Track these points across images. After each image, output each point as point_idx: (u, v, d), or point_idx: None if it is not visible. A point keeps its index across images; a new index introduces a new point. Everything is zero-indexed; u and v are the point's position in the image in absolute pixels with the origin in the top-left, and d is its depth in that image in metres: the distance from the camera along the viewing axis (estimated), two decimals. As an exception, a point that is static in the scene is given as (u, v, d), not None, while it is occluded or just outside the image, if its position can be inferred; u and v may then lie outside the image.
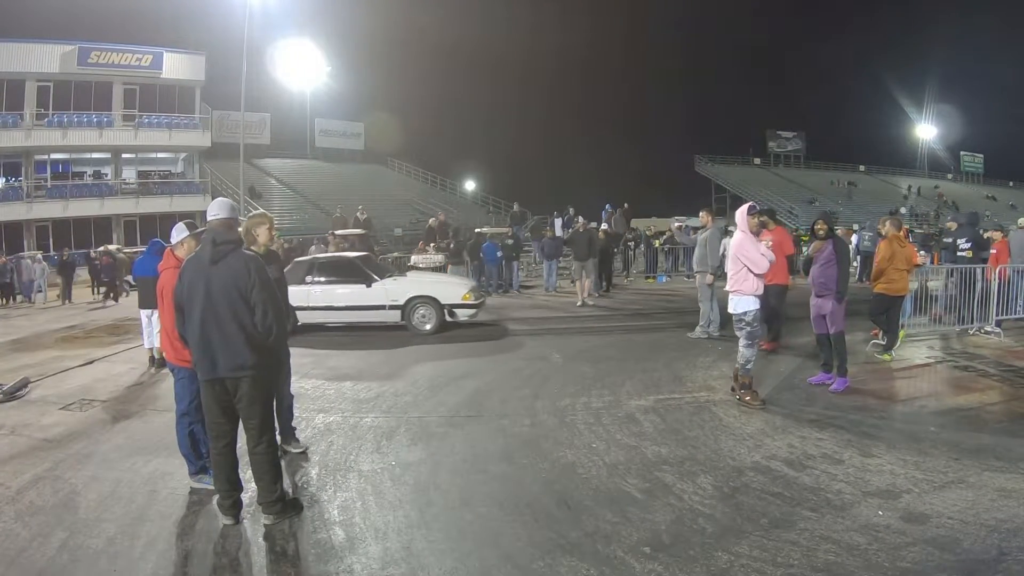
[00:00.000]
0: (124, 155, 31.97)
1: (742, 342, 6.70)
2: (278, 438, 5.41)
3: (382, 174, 44.52)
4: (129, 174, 32.12)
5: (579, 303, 14.35)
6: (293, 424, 5.75)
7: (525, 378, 8.04)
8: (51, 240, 28.85)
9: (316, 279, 11.61)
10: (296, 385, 7.25)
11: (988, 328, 10.31)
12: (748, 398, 6.68)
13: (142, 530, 4.29)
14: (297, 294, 10.93)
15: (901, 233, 9.00)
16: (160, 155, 33.55)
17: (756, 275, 6.52)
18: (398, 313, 11.37)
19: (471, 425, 6.27)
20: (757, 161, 55.60)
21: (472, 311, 11.53)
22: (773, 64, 61.80)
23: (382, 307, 11.37)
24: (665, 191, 50.71)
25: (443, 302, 11.37)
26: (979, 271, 10.55)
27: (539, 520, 4.27)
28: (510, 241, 17.56)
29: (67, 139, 29.91)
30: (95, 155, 31.69)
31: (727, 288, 6.80)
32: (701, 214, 11.30)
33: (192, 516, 4.51)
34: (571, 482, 4.88)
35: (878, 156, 59.25)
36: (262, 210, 5.82)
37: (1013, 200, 56.05)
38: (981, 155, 63.58)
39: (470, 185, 46.26)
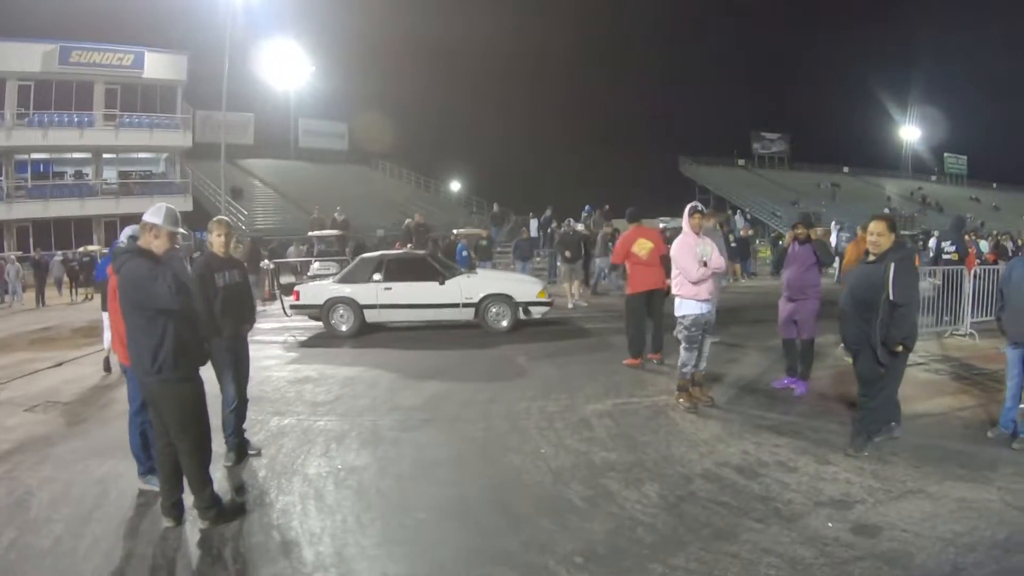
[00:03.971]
0: (105, 155, 31.81)
1: (681, 345, 6.68)
2: (230, 443, 5.56)
3: (366, 175, 44.38)
4: (110, 174, 31.91)
5: (570, 305, 14.27)
6: (245, 426, 5.75)
7: (486, 381, 8.08)
8: (31, 241, 28.69)
9: (386, 277, 11.52)
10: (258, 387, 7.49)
11: (962, 330, 10.32)
12: (682, 399, 6.69)
13: (88, 530, 4.35)
14: (366, 292, 11.29)
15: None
16: (141, 155, 33.34)
17: (692, 282, 6.49)
18: (472, 311, 11.35)
19: (424, 429, 6.29)
20: (741, 162, 55.90)
21: (545, 308, 11.53)
22: (758, 65, 61.92)
23: (456, 305, 11.35)
24: (649, 192, 50.66)
25: (518, 300, 11.36)
26: (962, 273, 10.49)
27: (477, 528, 4.28)
28: (484, 242, 17.59)
29: (48, 139, 29.75)
30: (76, 155, 31.49)
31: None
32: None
33: (138, 517, 4.54)
34: (515, 489, 4.87)
35: (862, 158, 59.64)
36: (220, 216, 5.81)
37: (997, 202, 56.60)
38: (965, 156, 64.18)
39: (455, 186, 46.27)
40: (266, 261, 19.06)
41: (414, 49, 48.32)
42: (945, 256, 11.20)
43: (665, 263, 8.08)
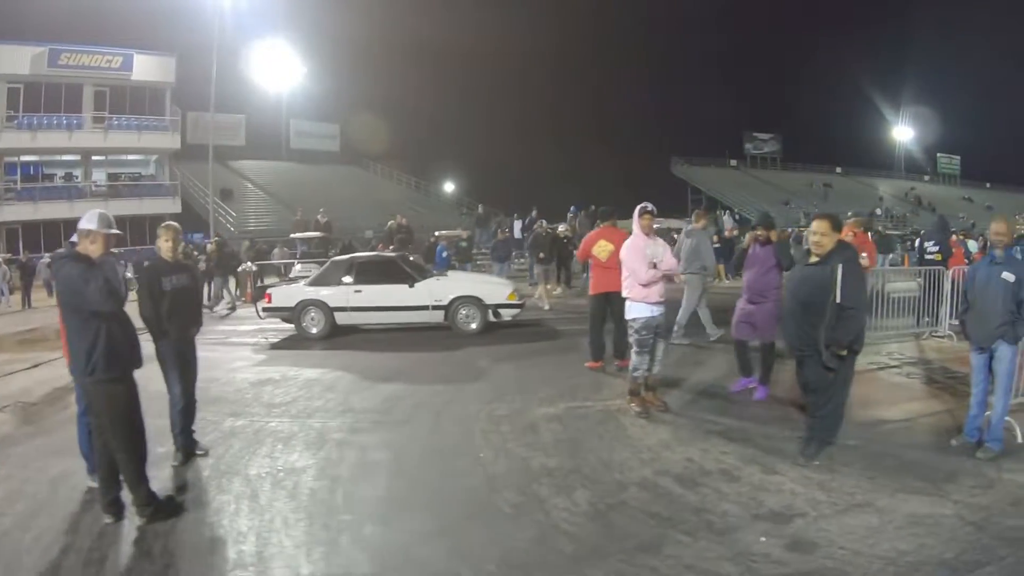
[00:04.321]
0: (94, 157, 31.89)
1: (632, 349, 6.63)
2: (178, 442, 5.68)
3: (357, 176, 44.57)
4: (100, 176, 32.00)
5: (545, 307, 14.22)
6: (196, 427, 5.87)
7: (445, 383, 8.15)
8: (20, 243, 28.77)
9: (357, 280, 11.57)
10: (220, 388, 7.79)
11: (940, 332, 10.21)
12: (634, 404, 6.61)
13: (35, 524, 4.52)
14: (336, 295, 11.36)
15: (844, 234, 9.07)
16: (131, 157, 33.41)
17: (641, 284, 6.38)
18: (442, 313, 11.38)
19: (371, 432, 6.38)
20: (733, 163, 56.11)
21: (516, 311, 11.57)
22: (751, 66, 61.95)
23: (425, 307, 11.38)
24: (641, 193, 50.66)
25: (488, 302, 11.40)
26: (942, 274, 10.32)
27: (400, 532, 4.34)
28: (464, 244, 17.68)
29: (36, 141, 29.84)
30: (66, 157, 31.55)
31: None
32: (695, 215, 11.12)
33: (82, 513, 4.69)
34: (447, 494, 4.90)
35: (855, 158, 59.76)
36: (167, 222, 5.95)
37: (990, 202, 56.71)
38: (958, 157, 64.45)
39: (448, 187, 46.42)
40: (248, 263, 19.16)
41: (406, 50, 48.46)
42: (928, 256, 11.10)
43: None
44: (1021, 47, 52.43)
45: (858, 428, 5.94)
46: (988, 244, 21.45)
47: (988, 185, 61.84)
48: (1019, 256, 10.16)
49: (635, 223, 6.64)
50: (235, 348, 11.37)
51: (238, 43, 36.59)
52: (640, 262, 6.37)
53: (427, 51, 50.24)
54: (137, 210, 30.31)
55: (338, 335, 11.46)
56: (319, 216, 22.48)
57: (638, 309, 6.46)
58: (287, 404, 7.43)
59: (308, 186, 38.82)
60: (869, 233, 12.24)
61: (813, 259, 5.23)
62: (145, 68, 32.02)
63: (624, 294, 6.62)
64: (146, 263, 6.26)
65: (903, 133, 61.72)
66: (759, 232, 7.24)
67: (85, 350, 4.31)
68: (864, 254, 9.69)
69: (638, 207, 6.65)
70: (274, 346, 11.28)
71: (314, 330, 11.48)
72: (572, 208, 23.58)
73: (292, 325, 11.75)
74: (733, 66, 62.09)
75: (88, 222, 4.46)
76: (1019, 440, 5.62)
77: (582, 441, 5.90)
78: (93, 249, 4.43)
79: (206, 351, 10.84)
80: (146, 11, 30.30)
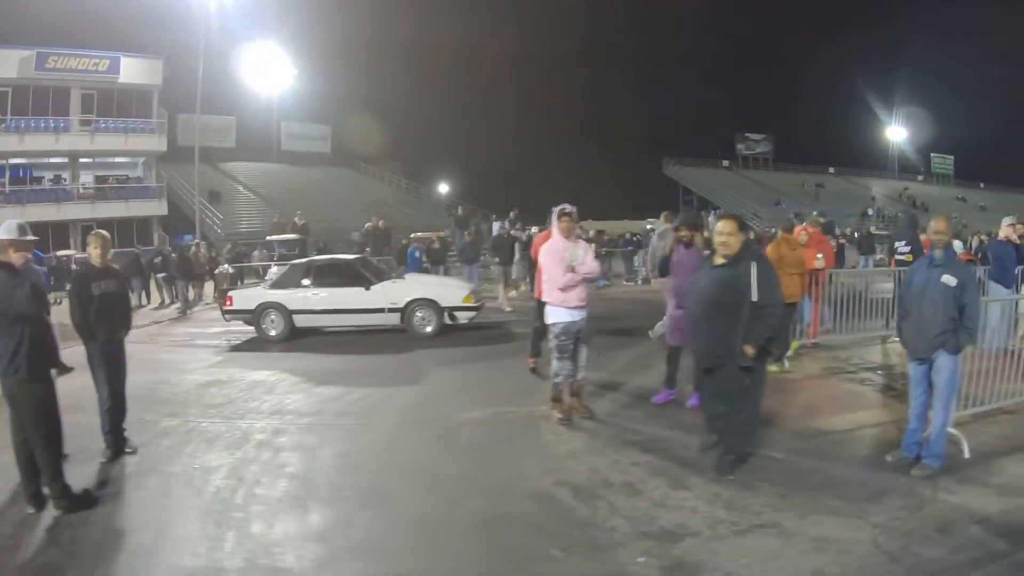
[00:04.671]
0: (82, 160, 32.13)
1: (552, 355, 6.48)
2: (107, 440, 5.91)
3: (348, 177, 44.63)
4: (88, 179, 32.24)
5: (508, 309, 14.37)
6: (125, 426, 6.07)
7: (385, 386, 8.31)
8: (9, 245, 28.90)
9: (315, 283, 11.75)
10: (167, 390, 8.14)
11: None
12: (556, 411, 6.49)
13: None
14: (295, 297, 11.55)
15: (797, 234, 8.93)
16: (118, 159, 33.61)
17: (559, 288, 6.26)
18: (398, 316, 11.51)
19: (294, 434, 6.53)
20: (726, 163, 56.12)
21: (472, 313, 11.67)
22: (744, 66, 62.06)
23: (381, 310, 11.51)
24: (633, 194, 50.91)
25: (443, 304, 11.51)
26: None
27: (282, 533, 4.46)
28: (436, 245, 17.82)
29: (24, 144, 30.02)
30: (54, 160, 31.80)
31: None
32: (663, 215, 10.34)
33: (11, 504, 4.95)
34: (336, 500, 4.96)
35: (849, 158, 59.66)
36: (96, 231, 6.16)
37: (984, 201, 56.70)
38: (951, 157, 64.21)
39: (441, 188, 46.49)
40: (225, 265, 19.38)
41: (397, 51, 48.69)
42: (899, 257, 10.67)
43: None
44: (1016, 46, 52.23)
45: (792, 439, 5.78)
46: (967, 244, 21.33)
47: (982, 185, 61.70)
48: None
49: (554, 226, 6.52)
50: (196, 350, 11.60)
51: (229, 45, 36.87)
52: (557, 266, 6.25)
53: (419, 52, 50.44)
54: (124, 212, 30.56)
55: (298, 337, 11.66)
56: (296, 218, 22.66)
57: (557, 314, 6.35)
58: (224, 405, 7.63)
59: (298, 188, 39.00)
60: (839, 236, 12.22)
61: (719, 260, 5.02)
62: (132, 71, 32.20)
63: (543, 298, 6.60)
64: (75, 269, 6.52)
65: (896, 133, 61.53)
66: (683, 234, 6.89)
67: (10, 351, 4.55)
68: (820, 255, 9.59)
69: (556, 209, 6.51)
70: (234, 348, 11.48)
71: (273, 332, 11.66)
72: (553, 209, 23.66)
73: (253, 327, 11.93)
74: (726, 66, 62.30)
75: (7, 232, 4.71)
76: (966, 455, 5.30)
77: (495, 448, 5.94)
78: (16, 257, 4.70)
79: (168, 353, 11.36)
80: (134, 14, 30.46)
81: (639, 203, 43.69)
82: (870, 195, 55.09)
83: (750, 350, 4.84)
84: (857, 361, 8.86)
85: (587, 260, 6.42)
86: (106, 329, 5.83)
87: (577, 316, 6.36)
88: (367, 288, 11.46)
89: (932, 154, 63.35)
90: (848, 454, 5.53)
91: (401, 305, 11.46)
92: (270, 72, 41.87)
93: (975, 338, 5.11)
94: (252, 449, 6.10)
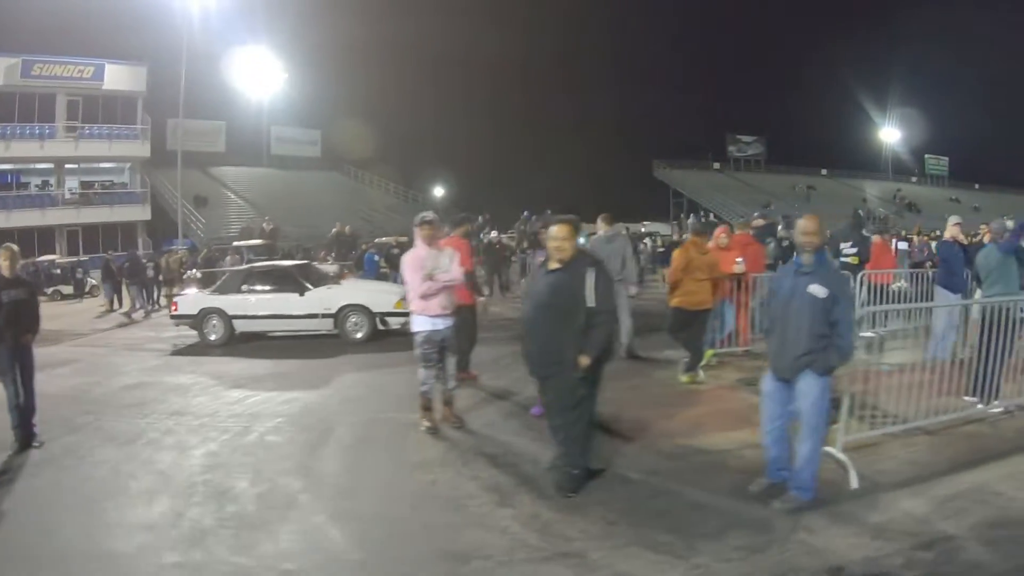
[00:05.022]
0: (68, 166, 32.70)
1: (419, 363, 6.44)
2: (15, 434, 6.39)
3: (337, 181, 45.26)
4: (74, 184, 32.80)
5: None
6: (35, 421, 6.54)
7: (289, 390, 8.55)
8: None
9: (252, 288, 12.09)
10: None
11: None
12: (424, 420, 6.49)
13: None
14: (234, 303, 11.88)
15: (714, 237, 8.73)
16: (105, 165, 34.16)
17: (419, 296, 6.26)
18: (331, 321, 11.71)
19: (181, 434, 6.83)
20: (716, 165, 56.26)
21: (404, 319, 11.20)
22: (735, 67, 62.00)
23: (315, 315, 11.73)
24: (623, 196, 50.87)
25: (375, 310, 11.69)
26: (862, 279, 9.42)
27: (123, 525, 4.78)
28: (396, 250, 17.98)
29: (10, 151, 30.65)
30: (39, 165, 32.35)
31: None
32: (601, 218, 9.65)
33: None
34: (187, 497, 5.19)
35: (842, 160, 59.54)
36: (6, 244, 6.69)
37: (978, 202, 56.56)
38: (946, 158, 64.15)
39: (428, 192, 46.86)
40: (193, 270, 19.79)
41: (387, 56, 48.99)
42: (843, 259, 9.73)
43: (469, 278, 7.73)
44: (1011, 46, 52.17)
45: (659, 458, 5.54)
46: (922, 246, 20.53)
47: (977, 186, 61.61)
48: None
49: (416, 235, 6.53)
50: (139, 354, 11.96)
51: (219, 50, 37.46)
52: (415, 274, 6.24)
53: (408, 56, 50.84)
54: (108, 217, 31.11)
55: (239, 342, 11.98)
56: (264, 224, 23.07)
57: (418, 322, 6.35)
58: (136, 406, 7.99)
59: (288, 192, 39.56)
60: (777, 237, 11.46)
61: (553, 265, 4.85)
62: (116, 77, 32.80)
63: (408, 307, 6.67)
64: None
65: (890, 134, 61.52)
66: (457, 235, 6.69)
67: None
68: (740, 259, 8.93)
69: (418, 216, 6.57)
70: (176, 352, 11.81)
71: (213, 336, 12.00)
72: (525, 212, 23.98)
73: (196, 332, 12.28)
74: (717, 68, 62.19)
75: None
76: (852, 486, 4.80)
77: (353, 455, 6.05)
78: None
79: (115, 356, 11.83)
80: (119, 21, 30.99)
81: (629, 205, 43.79)
82: (861, 197, 55.10)
83: (585, 360, 4.64)
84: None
85: (452, 268, 6.41)
86: (13, 334, 6.37)
87: (440, 324, 6.35)
88: (301, 294, 11.75)
89: (926, 155, 63.29)
90: (714, 479, 5.05)
91: (334, 311, 11.68)
92: (260, 77, 42.38)
93: (848, 357, 4.51)
94: (140, 447, 6.46)
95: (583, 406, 4.83)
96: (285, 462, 5.96)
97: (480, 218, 22.94)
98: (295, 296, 11.78)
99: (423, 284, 6.22)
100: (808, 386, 4.41)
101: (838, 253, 9.88)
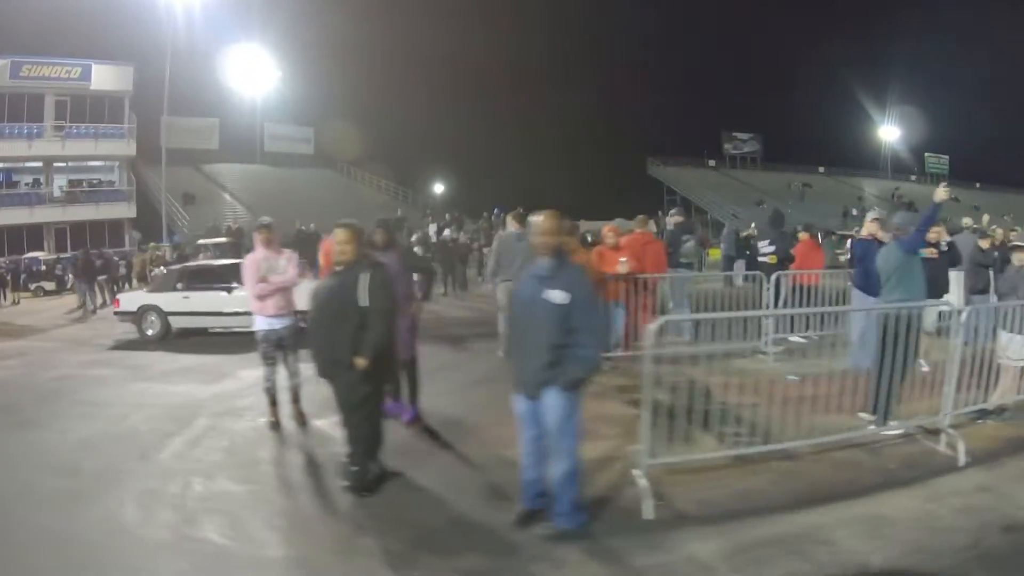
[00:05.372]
0: (56, 164, 33.35)
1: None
2: None
3: (330, 178, 45.63)
4: (63, 182, 33.46)
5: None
6: None
7: (189, 383, 8.97)
8: (-13, 248, 30.32)
9: (186, 286, 12.45)
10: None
11: (764, 349, 8.73)
12: (270, 415, 6.78)
13: None
14: (170, 300, 12.32)
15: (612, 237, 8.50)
16: (94, 163, 34.80)
17: (255, 297, 6.54)
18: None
19: (45, 422, 7.30)
20: (712, 163, 56.15)
21: None
22: (732, 65, 61.67)
23: (240, 313, 11.66)
24: (618, 193, 50.86)
25: (298, 309, 11.86)
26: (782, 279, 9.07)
27: None
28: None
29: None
30: (29, 164, 33.02)
31: None
32: (509, 216, 9.58)
33: None
34: None
35: (840, 158, 59.10)
36: None
37: (978, 202, 56.09)
38: (946, 156, 63.51)
39: (417, 189, 47.16)
40: (161, 268, 20.22)
41: (380, 52, 49.31)
42: (761, 258, 9.73)
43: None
44: (1012, 44, 51.72)
45: (462, 466, 5.50)
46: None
47: (978, 185, 61.04)
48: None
49: (255, 239, 6.81)
50: (83, 348, 12.43)
51: (212, 47, 38.09)
52: (251, 275, 6.53)
53: (401, 53, 51.05)
54: (94, 215, 31.71)
55: (179, 338, 12.39)
56: (230, 223, 23.47)
57: (257, 322, 6.68)
58: (53, 394, 8.56)
59: (280, 189, 39.91)
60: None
61: (339, 267, 5.01)
62: (103, 78, 33.44)
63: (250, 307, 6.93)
64: None
65: (889, 132, 61.13)
66: (377, 237, 6.53)
67: None
68: (623, 259, 8.50)
69: (258, 222, 6.86)
70: (115, 347, 12.21)
71: (150, 332, 12.42)
72: (496, 210, 24.22)
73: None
74: (713, 64, 61.87)
75: None
76: (646, 517, 4.45)
77: (186, 447, 6.34)
78: None
79: (62, 352, 12.46)
80: (108, 21, 31.48)
81: (624, 203, 43.78)
82: (856, 195, 54.91)
83: (360, 361, 4.77)
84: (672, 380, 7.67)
85: (288, 270, 6.68)
86: None
87: (276, 324, 6.62)
88: (229, 292, 12.08)
89: (926, 154, 62.84)
90: (498, 494, 4.85)
91: None
92: (254, 74, 42.91)
93: (593, 368, 4.24)
94: (30, 429, 7.03)
95: (368, 406, 4.95)
96: (135, 448, 6.33)
97: (447, 216, 23.22)
98: (224, 294, 12.12)
99: (257, 285, 6.51)
100: (553, 403, 4.05)
101: (757, 251, 10.11)
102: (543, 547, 4.12)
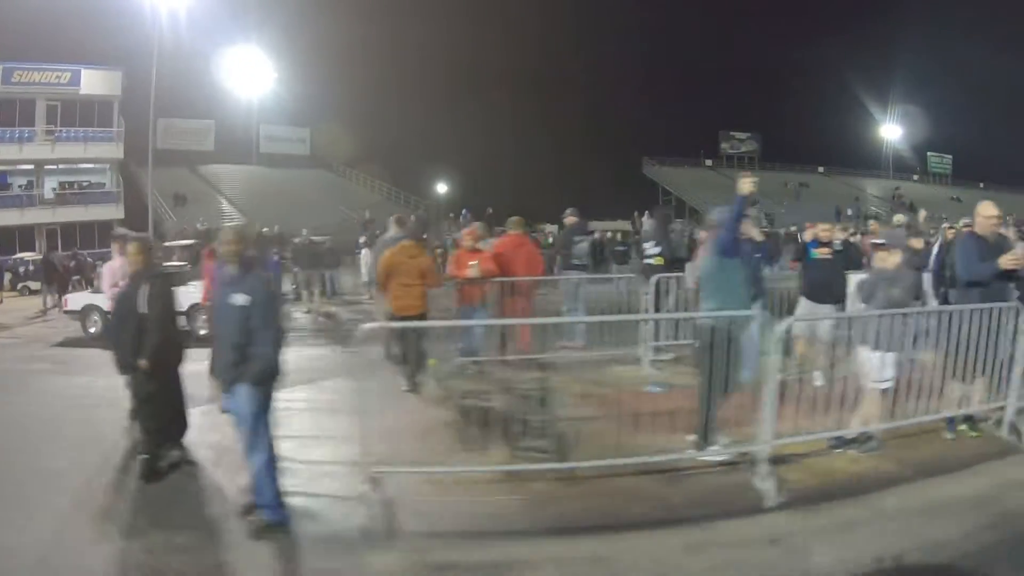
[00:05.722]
0: (48, 167, 34.08)
1: None
2: None
3: (325, 179, 46.13)
4: (54, 184, 34.18)
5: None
6: None
7: (84, 375, 9.32)
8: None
9: None
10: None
11: (652, 357, 8.36)
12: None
13: None
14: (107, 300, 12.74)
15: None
16: (85, 166, 35.50)
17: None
18: (183, 319, 12.01)
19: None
20: (709, 163, 56.12)
21: None
22: (731, 63, 60.87)
23: None
24: (615, 193, 50.70)
25: None
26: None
27: None
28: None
29: (-8, 154, 32.20)
30: (22, 167, 33.79)
31: None
32: (392, 219, 9.56)
33: None
34: None
35: (841, 157, 58.59)
36: None
37: (979, 202, 55.33)
38: (950, 156, 62.66)
39: (413, 190, 47.41)
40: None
41: (376, 53, 49.40)
42: (647, 261, 9.22)
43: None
44: (1018, 41, 51.01)
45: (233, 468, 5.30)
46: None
47: (982, 185, 60.37)
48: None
49: (112, 248, 7.46)
50: (32, 344, 12.98)
51: (208, 50, 38.72)
52: (107, 282, 7.16)
53: (398, 54, 51.31)
54: (83, 216, 32.38)
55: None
56: (198, 224, 23.92)
57: None
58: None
59: (274, 190, 40.38)
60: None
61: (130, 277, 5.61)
62: (92, 82, 34.12)
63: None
64: None
65: (891, 131, 60.51)
66: (213, 246, 6.77)
67: None
68: (474, 262, 8.13)
69: (115, 232, 7.52)
70: (60, 343, 12.68)
71: (92, 330, 12.82)
72: (464, 211, 24.43)
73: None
74: (712, 63, 61.31)
75: None
76: (358, 523, 4.58)
77: (32, 440, 6.66)
78: None
79: (12, 348, 12.62)
80: (99, 26, 32.05)
81: (619, 203, 43.69)
82: (853, 195, 54.58)
83: (142, 363, 5.26)
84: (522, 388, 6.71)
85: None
86: None
87: None
88: None
89: (928, 153, 62.15)
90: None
91: (184, 308, 12.34)
92: (250, 75, 43.45)
93: (270, 367, 4.44)
94: None
95: (154, 402, 5.40)
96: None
97: (412, 216, 23.26)
98: None
99: (112, 290, 6.99)
100: (243, 397, 4.36)
101: (642, 254, 9.68)
102: (249, 536, 4.41)
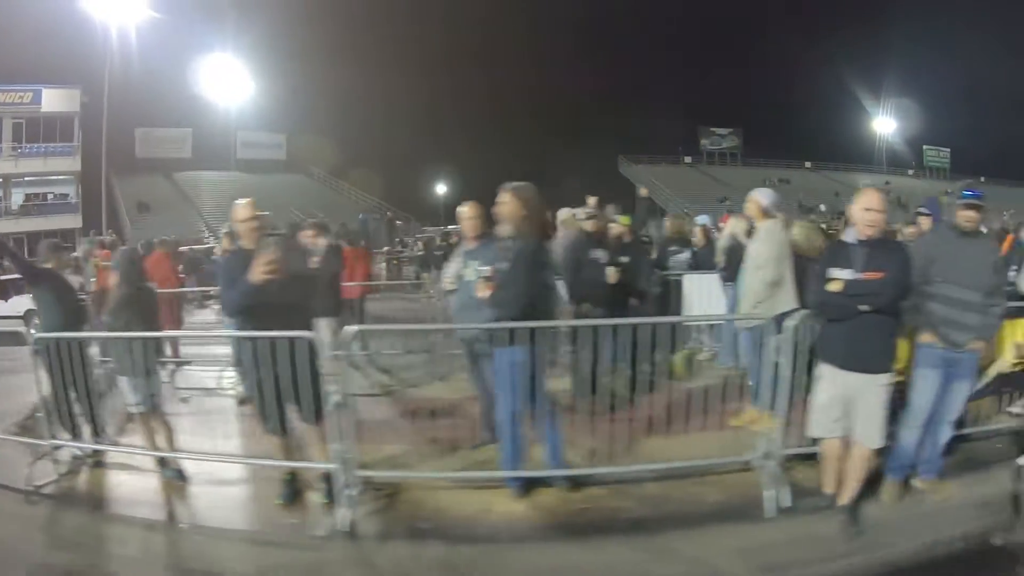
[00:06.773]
0: (15, 180, 36.40)
1: None
2: None
3: (302, 184, 47.39)
4: (19, 196, 36.55)
5: None
6: None
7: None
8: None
9: None
10: None
11: None
12: None
13: None
14: None
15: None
16: (53, 177, 37.77)
17: None
18: None
19: None
20: (688, 160, 55.61)
21: None
22: (711, 54, 59.90)
23: None
24: (594, 191, 50.47)
25: None
26: None
27: None
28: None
29: (-38, 171, 34.62)
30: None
31: None
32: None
33: None
34: None
35: (832, 152, 57.80)
36: None
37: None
38: (947, 149, 60.92)
39: (384, 194, 48.61)
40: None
41: (352, 58, 50.33)
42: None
43: None
44: (1017, 33, 49.77)
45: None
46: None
47: (982, 179, 58.82)
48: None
49: None
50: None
51: (185, 58, 40.56)
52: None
53: (373, 57, 52.30)
54: (44, 226, 34.48)
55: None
56: (106, 234, 25.48)
57: None
58: None
59: (250, 195, 41.49)
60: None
61: None
62: (53, 100, 36.30)
63: None
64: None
65: (884, 125, 59.22)
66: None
67: None
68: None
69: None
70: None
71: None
72: (360, 216, 25.17)
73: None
74: (691, 55, 60.50)
75: None
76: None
77: None
78: None
79: None
80: (60, 44, 34.07)
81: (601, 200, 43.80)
82: (834, 191, 53.61)
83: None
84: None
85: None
86: None
87: None
88: None
89: (925, 146, 60.45)
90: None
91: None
92: (226, 83, 44.89)
93: None
94: None
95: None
96: None
97: (361, 215, 24.24)
98: None
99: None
100: None
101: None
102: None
